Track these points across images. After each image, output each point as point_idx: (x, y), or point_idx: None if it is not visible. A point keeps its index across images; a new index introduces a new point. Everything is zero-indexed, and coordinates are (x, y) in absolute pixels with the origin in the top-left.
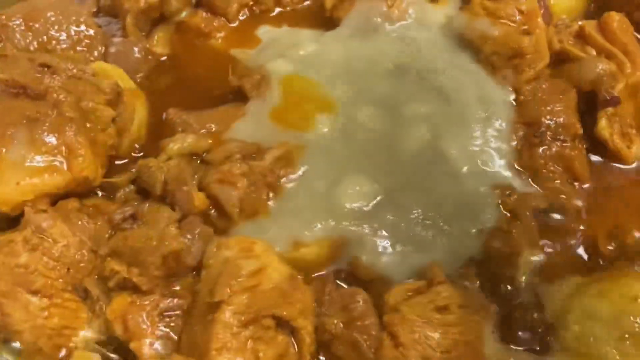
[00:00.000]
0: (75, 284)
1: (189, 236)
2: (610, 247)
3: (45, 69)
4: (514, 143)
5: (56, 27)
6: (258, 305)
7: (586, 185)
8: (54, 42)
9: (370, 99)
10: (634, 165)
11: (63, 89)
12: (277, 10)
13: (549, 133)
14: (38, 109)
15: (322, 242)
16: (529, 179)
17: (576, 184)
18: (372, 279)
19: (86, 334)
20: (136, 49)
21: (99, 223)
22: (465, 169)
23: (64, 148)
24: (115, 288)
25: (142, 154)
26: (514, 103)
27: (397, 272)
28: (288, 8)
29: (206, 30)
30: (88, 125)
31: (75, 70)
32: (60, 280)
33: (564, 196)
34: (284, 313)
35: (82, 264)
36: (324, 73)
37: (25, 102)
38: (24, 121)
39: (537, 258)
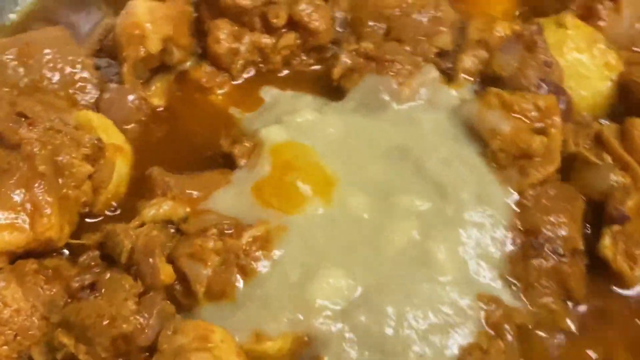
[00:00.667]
0: (21, 351)
1: (146, 314)
2: None
3: (23, 119)
4: (508, 250)
5: (51, 66)
6: None
7: (581, 307)
8: (45, 81)
9: (362, 182)
10: (636, 290)
11: (39, 141)
12: (285, 72)
13: (547, 245)
14: (9, 159)
15: (286, 337)
16: (520, 292)
17: (570, 303)
18: None
19: None
20: (130, 98)
21: (54, 289)
22: (450, 275)
23: (29, 205)
24: None
25: (118, 212)
26: (515, 207)
27: None
28: (296, 69)
29: (207, 85)
30: (61, 180)
31: (56, 121)
32: (5, 347)
33: (554, 315)
34: None
35: (31, 332)
36: (318, 146)
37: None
38: None
39: None
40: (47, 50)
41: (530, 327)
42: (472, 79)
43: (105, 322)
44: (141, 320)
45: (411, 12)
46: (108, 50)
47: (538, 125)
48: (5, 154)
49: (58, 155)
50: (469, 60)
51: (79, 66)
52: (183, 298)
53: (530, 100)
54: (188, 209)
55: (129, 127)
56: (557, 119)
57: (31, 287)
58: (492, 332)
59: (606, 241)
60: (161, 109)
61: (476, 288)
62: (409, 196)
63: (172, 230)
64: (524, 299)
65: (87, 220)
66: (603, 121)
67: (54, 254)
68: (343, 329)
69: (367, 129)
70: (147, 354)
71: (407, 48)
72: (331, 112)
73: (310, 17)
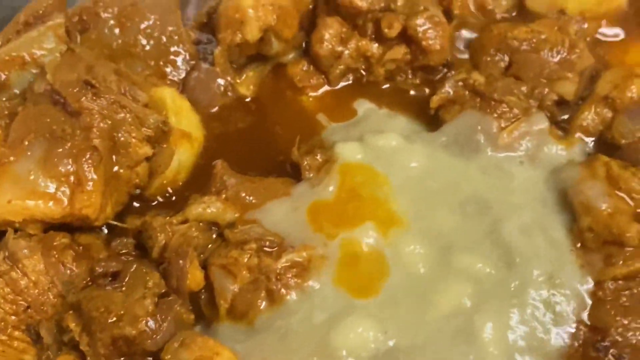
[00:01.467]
0: (30, 324)
1: (159, 318)
2: None
3: (89, 87)
4: (567, 345)
5: (148, 32)
6: None
7: None
8: (139, 47)
9: (427, 230)
10: None
11: (100, 113)
12: (386, 85)
13: (612, 350)
14: (67, 126)
15: None
16: None
17: None
18: None
19: None
20: (218, 82)
21: (78, 269)
22: (493, 357)
23: (73, 178)
24: (68, 344)
25: (174, 198)
26: (587, 298)
27: None
28: (398, 86)
29: (300, 85)
30: (115, 158)
31: (126, 95)
32: (14, 317)
33: None
34: None
35: (43, 307)
36: (393, 177)
37: (60, 114)
38: (48, 134)
39: None
40: (148, 15)
41: None
42: (587, 139)
43: (110, 319)
44: (152, 323)
45: (541, 49)
46: (212, 26)
47: None
48: (65, 119)
49: (117, 132)
50: (589, 117)
51: (175, 37)
52: (206, 309)
53: None
54: (237, 214)
55: (209, 112)
56: None
57: (55, 262)
58: None
59: None
60: (248, 99)
61: None
62: (472, 256)
63: (214, 234)
64: None
65: (138, 203)
66: None
67: (91, 230)
68: None
69: (452, 171)
70: (150, 358)
71: (524, 88)
72: (419, 143)
73: (425, 34)
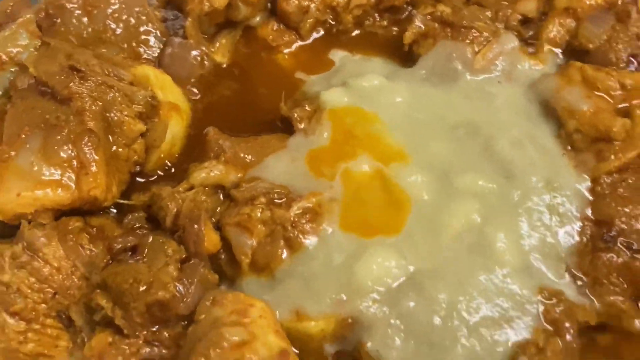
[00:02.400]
0: (60, 310)
1: (186, 282)
2: None
3: (75, 72)
4: (577, 242)
5: (115, 16)
6: None
7: None
8: (109, 32)
9: (424, 159)
10: None
11: (90, 96)
12: (356, 32)
13: (620, 239)
14: (59, 114)
15: (329, 318)
16: (585, 288)
17: None
18: None
19: None
20: (193, 53)
21: (96, 249)
22: (510, 265)
23: (75, 162)
24: (100, 323)
25: (173, 171)
26: (588, 195)
27: None
28: (367, 31)
29: (274, 44)
30: (111, 138)
31: (110, 76)
32: (44, 305)
33: (621, 315)
34: None
35: (70, 291)
36: (382, 114)
37: (50, 103)
38: (42, 125)
39: None
40: (113, 0)
41: (593, 325)
42: (556, 50)
43: (141, 288)
44: (181, 288)
45: None
46: (177, 3)
47: (622, 105)
48: (55, 108)
49: (109, 112)
50: (554, 30)
51: (143, 18)
52: (227, 268)
53: (616, 77)
54: (240, 175)
55: (189, 83)
56: None
57: (73, 245)
58: (550, 329)
59: None
60: (224, 66)
61: (537, 281)
62: (473, 175)
63: (222, 197)
64: (590, 296)
65: (140, 179)
66: None
67: (101, 212)
68: (389, 314)
69: (436, 101)
70: (185, 322)
71: (488, 13)
72: (400, 79)
73: None
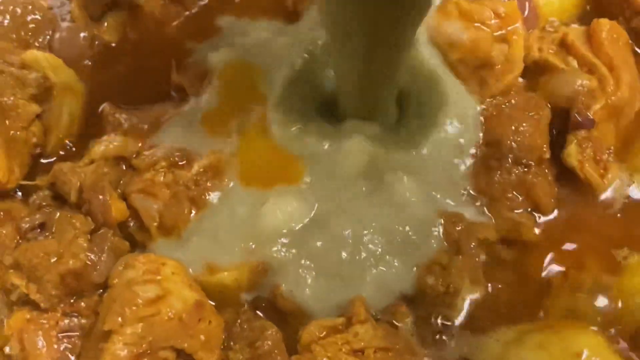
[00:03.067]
0: None
1: (97, 250)
2: (563, 290)
3: None
4: (470, 165)
5: (1, 8)
6: (154, 336)
7: (549, 217)
8: None
9: None
10: (606, 196)
11: None
12: None
13: (510, 156)
14: None
15: (242, 267)
16: (484, 207)
17: (537, 215)
18: (292, 310)
19: None
20: (82, 35)
21: (5, 231)
22: (410, 190)
23: None
24: (17, 302)
25: (74, 150)
26: (482, 119)
27: (320, 306)
28: None
29: (161, 18)
30: (7, 122)
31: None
32: None
33: (520, 228)
34: (185, 345)
35: None
36: (266, 64)
37: None
38: None
39: (476, 297)
40: None
41: (494, 240)
42: None
43: (52, 260)
44: (92, 257)
45: None
46: None
47: (499, 33)
48: None
49: (2, 97)
50: None
51: (30, 7)
52: (137, 234)
53: (490, 7)
54: (139, 144)
55: (81, 65)
56: (519, 26)
57: None
58: (452, 249)
59: (572, 149)
60: (114, 45)
61: (436, 206)
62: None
63: (124, 167)
64: (488, 214)
65: (43, 161)
66: (574, 26)
67: (6, 196)
68: (299, 255)
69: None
70: (101, 291)
71: None
72: (285, 34)
73: None
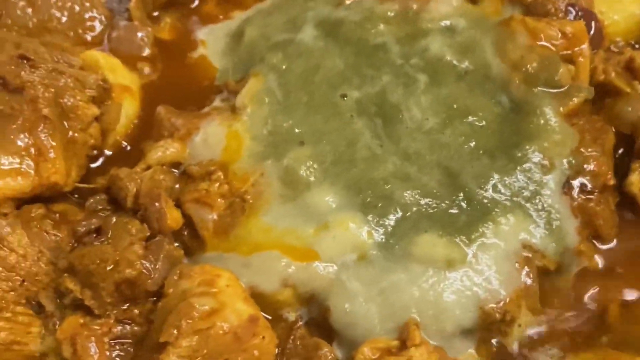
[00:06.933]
0: (29, 297)
1: (152, 258)
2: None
3: (25, 61)
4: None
5: (59, 5)
6: (209, 350)
7: (610, 245)
8: (54, 21)
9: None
10: None
11: (42, 83)
12: None
13: (576, 181)
14: (13, 103)
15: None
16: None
17: (598, 242)
18: (345, 329)
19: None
20: (139, 35)
21: (61, 234)
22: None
23: (33, 150)
24: (70, 306)
25: (129, 148)
26: None
27: (373, 326)
28: None
29: (221, 17)
30: (66, 124)
31: (60, 63)
32: (12, 292)
33: (580, 256)
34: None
35: (38, 277)
36: None
37: (3, 94)
38: None
39: (534, 327)
40: None
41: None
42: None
43: (109, 267)
44: (147, 265)
45: None
46: None
47: (564, 53)
48: (9, 98)
49: (62, 98)
50: None
51: (87, 4)
52: (191, 243)
53: (556, 26)
54: None
55: (138, 64)
56: (585, 47)
57: (37, 232)
58: None
59: (634, 177)
60: (171, 44)
61: None
62: None
63: (177, 173)
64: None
65: (98, 163)
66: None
67: (63, 198)
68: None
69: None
70: (155, 298)
71: None
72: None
73: None
